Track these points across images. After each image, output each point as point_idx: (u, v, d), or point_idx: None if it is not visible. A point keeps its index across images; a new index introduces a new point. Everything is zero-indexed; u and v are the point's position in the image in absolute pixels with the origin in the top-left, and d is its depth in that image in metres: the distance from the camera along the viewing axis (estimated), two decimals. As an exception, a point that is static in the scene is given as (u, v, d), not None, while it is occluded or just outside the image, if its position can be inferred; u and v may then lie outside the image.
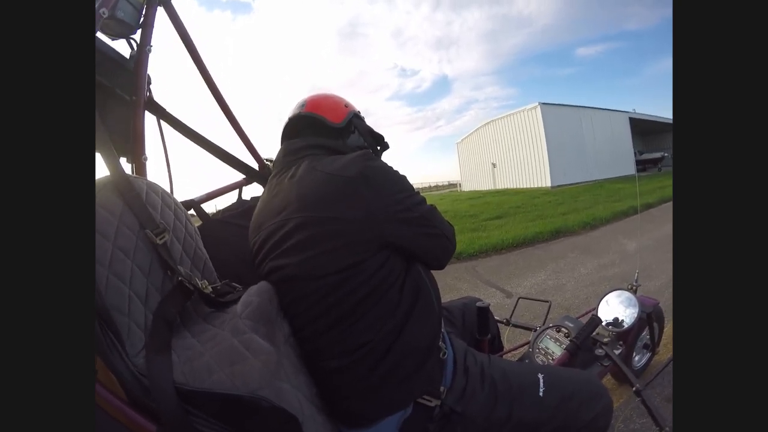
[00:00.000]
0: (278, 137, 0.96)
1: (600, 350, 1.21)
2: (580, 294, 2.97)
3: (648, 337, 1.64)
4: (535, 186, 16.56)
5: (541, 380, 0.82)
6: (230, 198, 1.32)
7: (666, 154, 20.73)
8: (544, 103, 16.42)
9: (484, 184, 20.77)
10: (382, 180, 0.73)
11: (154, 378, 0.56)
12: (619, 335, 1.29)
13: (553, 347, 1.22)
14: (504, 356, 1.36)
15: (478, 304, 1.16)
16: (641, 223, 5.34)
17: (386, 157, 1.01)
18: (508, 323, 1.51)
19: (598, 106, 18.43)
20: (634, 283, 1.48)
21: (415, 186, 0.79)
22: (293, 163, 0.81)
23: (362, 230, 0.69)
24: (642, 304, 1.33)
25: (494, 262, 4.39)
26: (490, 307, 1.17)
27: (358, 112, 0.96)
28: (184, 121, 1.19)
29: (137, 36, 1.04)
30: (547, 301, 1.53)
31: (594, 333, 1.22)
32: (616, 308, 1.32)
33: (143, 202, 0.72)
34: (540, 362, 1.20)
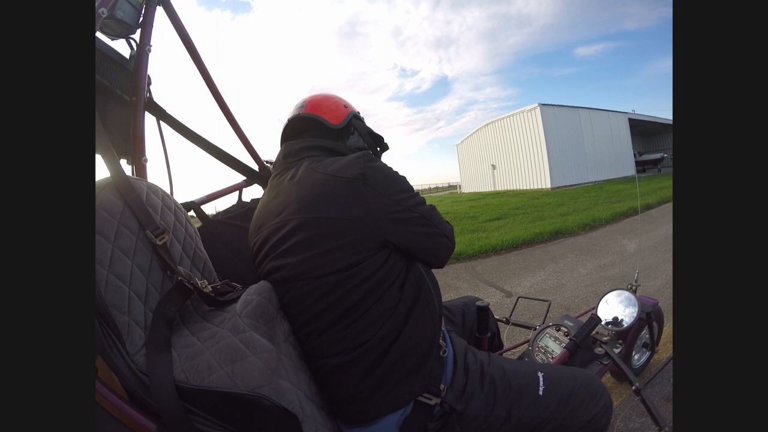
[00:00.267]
0: (278, 138, 0.96)
1: (599, 349, 1.21)
2: (580, 294, 2.97)
3: (647, 336, 1.64)
4: (535, 187, 16.53)
5: (541, 379, 0.82)
6: (230, 200, 1.33)
7: (665, 155, 20.78)
8: (543, 104, 16.41)
9: (484, 185, 20.75)
10: (382, 181, 0.73)
11: (154, 376, 0.56)
12: (618, 334, 1.30)
13: (553, 346, 1.22)
14: (504, 354, 1.36)
15: (478, 303, 1.16)
16: (641, 224, 5.35)
17: (386, 159, 1.01)
18: (507, 322, 1.51)
19: (598, 107, 18.45)
20: (634, 283, 1.49)
21: (415, 188, 0.79)
22: (293, 164, 0.82)
23: (362, 230, 0.69)
24: (642, 304, 1.33)
25: (494, 262, 4.38)
26: (490, 307, 1.17)
27: (358, 112, 0.96)
28: (184, 122, 1.19)
29: (137, 36, 1.04)
30: (547, 301, 1.53)
31: (593, 332, 1.22)
32: (615, 307, 1.32)
33: (143, 204, 0.73)
34: (539, 361, 1.20)
